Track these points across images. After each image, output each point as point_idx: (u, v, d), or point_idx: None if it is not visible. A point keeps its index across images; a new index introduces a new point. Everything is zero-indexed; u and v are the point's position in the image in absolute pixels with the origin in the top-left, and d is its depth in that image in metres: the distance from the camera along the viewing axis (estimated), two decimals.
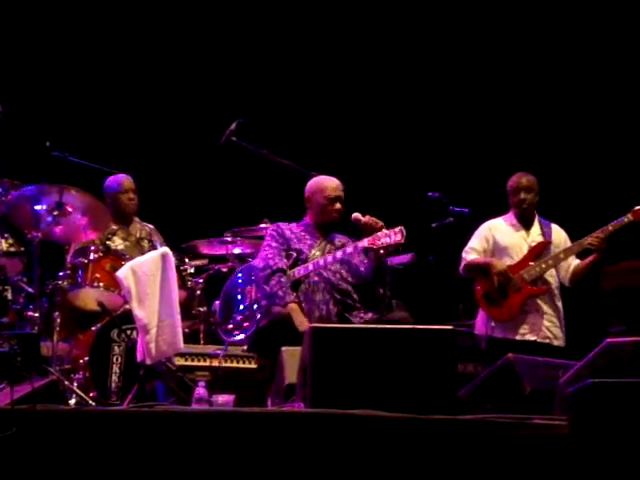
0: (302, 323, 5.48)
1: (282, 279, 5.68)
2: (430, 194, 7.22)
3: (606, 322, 7.09)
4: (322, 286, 5.76)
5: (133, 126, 8.62)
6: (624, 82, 8.73)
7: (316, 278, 5.77)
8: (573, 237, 6.77)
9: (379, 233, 5.62)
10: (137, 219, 6.90)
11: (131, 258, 5.82)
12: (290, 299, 5.61)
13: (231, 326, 5.91)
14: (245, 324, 5.82)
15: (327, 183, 5.96)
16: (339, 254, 5.74)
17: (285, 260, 5.80)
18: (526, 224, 6.83)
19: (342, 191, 5.94)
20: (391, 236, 5.58)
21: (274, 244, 5.86)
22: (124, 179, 6.81)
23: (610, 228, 6.52)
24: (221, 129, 6.58)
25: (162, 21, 8.80)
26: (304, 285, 5.76)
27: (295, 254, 5.83)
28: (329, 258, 5.74)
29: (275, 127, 8.15)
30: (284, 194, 6.82)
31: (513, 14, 8.99)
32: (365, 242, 5.67)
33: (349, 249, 5.74)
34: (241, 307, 5.95)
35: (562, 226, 6.90)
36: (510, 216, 6.88)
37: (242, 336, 5.90)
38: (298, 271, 5.76)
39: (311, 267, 5.75)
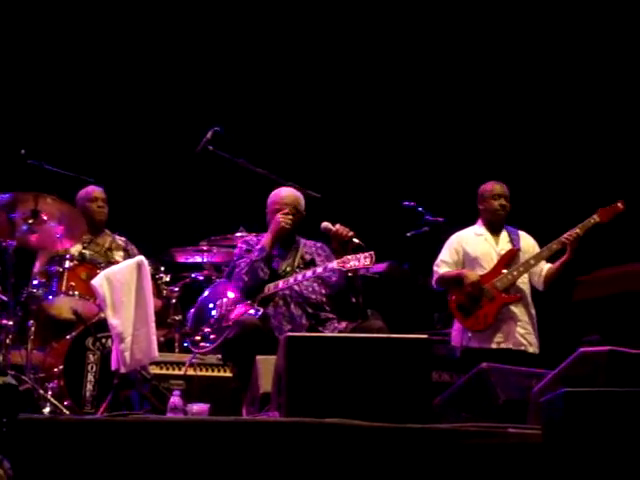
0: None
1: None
2: (405, 203, 7.25)
3: (581, 331, 7.12)
4: (294, 300, 5.75)
5: (109, 134, 8.60)
6: (586, 91, 8.80)
7: (287, 291, 5.76)
8: (541, 243, 6.80)
9: (349, 256, 5.61)
10: (107, 230, 6.89)
11: (105, 267, 5.81)
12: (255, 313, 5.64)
13: (198, 337, 5.91)
14: (212, 336, 5.80)
15: (277, 195, 6.03)
16: (309, 273, 5.73)
17: None
18: (495, 232, 6.86)
19: (291, 199, 5.99)
20: (360, 260, 5.57)
21: (245, 259, 5.85)
22: (93, 188, 6.84)
23: (578, 230, 6.56)
24: (197, 138, 6.57)
25: (138, 29, 8.78)
26: (275, 300, 5.75)
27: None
28: (299, 277, 5.73)
29: (251, 136, 8.15)
30: (260, 203, 6.81)
31: (488, 31, 9.05)
32: (334, 264, 5.66)
33: (319, 270, 5.73)
34: (211, 320, 5.94)
35: (529, 232, 6.94)
36: (478, 225, 6.91)
37: (207, 348, 5.87)
38: (268, 288, 5.74)
39: (281, 285, 5.74)
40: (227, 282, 6.00)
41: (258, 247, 5.86)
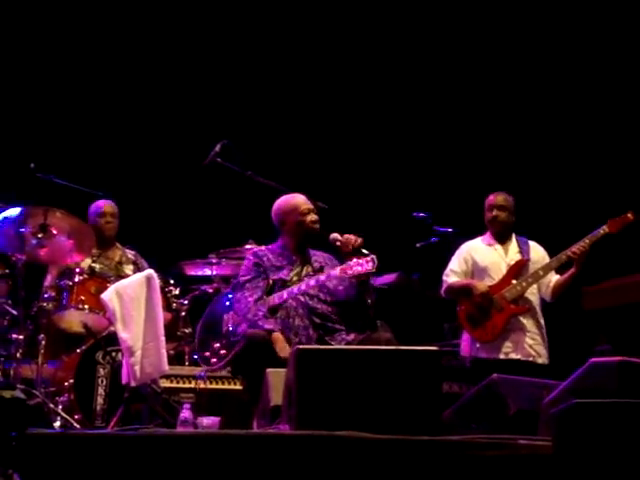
0: (282, 349, 5.44)
1: (261, 308, 5.65)
2: (415, 214, 7.25)
3: (592, 341, 7.11)
4: (300, 312, 5.70)
5: (118, 148, 8.62)
6: (596, 102, 8.80)
7: (294, 303, 5.70)
8: (551, 253, 6.80)
9: (351, 262, 5.60)
10: (118, 244, 6.89)
11: (115, 281, 5.82)
12: (271, 327, 5.58)
13: (208, 353, 5.89)
14: (222, 352, 5.79)
15: (295, 200, 5.94)
16: (312, 282, 5.71)
17: (262, 285, 5.77)
18: (502, 242, 6.86)
19: (309, 203, 5.96)
20: (363, 265, 5.56)
21: (253, 273, 5.82)
22: (103, 203, 6.84)
23: (587, 241, 6.55)
24: (206, 151, 6.58)
25: (145, 42, 8.81)
26: (282, 311, 5.69)
27: (271, 282, 5.80)
28: (302, 286, 5.71)
29: (259, 148, 8.16)
30: (269, 215, 6.82)
31: (500, 43, 9.06)
32: (337, 270, 5.65)
33: (322, 277, 5.71)
34: (219, 334, 5.93)
35: (540, 243, 6.93)
36: (487, 236, 6.92)
37: (218, 363, 5.87)
38: (273, 299, 5.72)
39: (285, 295, 5.70)
40: (230, 294, 6.00)
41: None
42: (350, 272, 5.58)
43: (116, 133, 8.66)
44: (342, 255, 5.78)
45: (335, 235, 5.80)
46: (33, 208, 5.94)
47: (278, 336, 5.49)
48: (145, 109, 8.76)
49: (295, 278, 5.81)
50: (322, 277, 5.69)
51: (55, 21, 8.62)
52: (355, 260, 5.58)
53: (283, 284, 5.77)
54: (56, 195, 6.42)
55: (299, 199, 5.95)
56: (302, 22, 9.06)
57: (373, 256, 5.54)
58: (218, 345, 5.79)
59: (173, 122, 8.76)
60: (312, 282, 5.69)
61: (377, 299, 6.06)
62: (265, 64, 9.01)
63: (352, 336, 5.66)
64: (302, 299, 5.73)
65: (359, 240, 5.69)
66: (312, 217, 5.87)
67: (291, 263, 5.86)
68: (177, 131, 8.71)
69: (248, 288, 5.72)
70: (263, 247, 6.00)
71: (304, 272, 5.86)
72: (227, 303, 6.20)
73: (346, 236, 5.74)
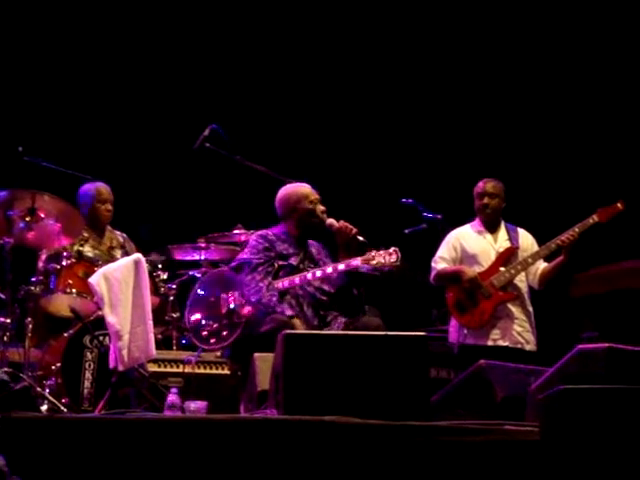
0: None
1: (274, 293, 5.65)
2: (404, 200, 7.25)
3: (578, 328, 7.13)
4: (307, 301, 5.76)
5: (106, 131, 8.59)
6: (586, 91, 8.81)
7: (301, 292, 5.75)
8: (540, 241, 6.80)
9: (373, 253, 5.60)
10: (109, 227, 6.86)
11: (103, 265, 5.80)
12: (291, 312, 5.60)
13: (206, 333, 5.87)
14: (224, 333, 5.77)
15: (305, 189, 5.96)
16: (329, 269, 5.71)
17: (271, 271, 5.78)
18: (492, 230, 6.87)
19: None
20: (386, 258, 5.57)
21: (263, 257, 5.81)
22: (103, 188, 6.72)
23: (577, 229, 6.55)
24: (194, 135, 6.56)
25: (135, 26, 8.77)
26: (290, 299, 5.74)
27: (277, 265, 5.80)
28: (318, 272, 5.71)
29: (248, 133, 8.14)
30: (258, 200, 6.81)
31: (487, 28, 9.05)
32: (359, 261, 5.64)
33: (341, 266, 5.71)
34: (217, 314, 5.89)
35: (529, 230, 6.94)
36: (476, 223, 6.92)
37: (220, 344, 5.83)
38: (283, 282, 5.73)
39: (297, 281, 5.72)
40: (231, 275, 5.95)
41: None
42: (374, 263, 5.58)
43: (105, 117, 8.63)
44: (337, 242, 5.78)
45: (331, 221, 5.82)
46: (20, 191, 5.91)
47: (297, 321, 5.56)
48: (134, 93, 8.73)
49: (301, 266, 5.83)
50: (340, 266, 5.68)
51: (44, 5, 8.58)
52: (377, 252, 5.58)
53: (291, 270, 5.78)
54: (44, 178, 6.39)
55: (307, 188, 5.98)
56: (292, 5, 9.04)
57: (396, 248, 5.55)
58: (217, 325, 5.75)
59: (162, 106, 8.73)
60: (329, 270, 5.69)
61: (366, 285, 6.07)
62: (255, 49, 8.99)
63: (343, 320, 5.68)
64: (309, 289, 5.77)
65: (354, 230, 5.71)
66: (321, 207, 5.91)
67: (296, 250, 5.88)
68: (166, 115, 8.68)
69: (260, 272, 5.73)
70: (269, 231, 5.97)
71: (306, 261, 5.87)
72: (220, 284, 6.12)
73: (342, 223, 5.75)
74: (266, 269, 5.75)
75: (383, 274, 5.76)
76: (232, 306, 5.74)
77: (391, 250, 5.57)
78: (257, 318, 5.59)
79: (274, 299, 5.61)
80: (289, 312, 5.57)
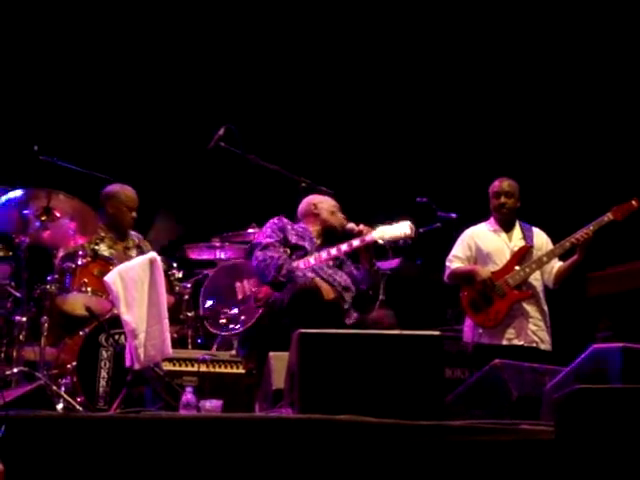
0: (328, 292, 5.50)
1: (289, 267, 5.71)
2: (418, 199, 7.24)
3: (594, 327, 7.11)
4: (322, 278, 5.79)
5: (122, 130, 8.61)
6: (601, 88, 8.78)
7: (312, 274, 5.77)
8: (554, 240, 6.79)
9: (383, 227, 5.60)
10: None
11: (118, 264, 5.82)
12: (312, 275, 5.62)
13: (224, 320, 5.88)
14: (242, 317, 5.78)
15: (329, 199, 6.12)
16: (345, 247, 5.71)
17: (282, 251, 5.82)
18: (507, 229, 6.86)
19: None
20: (399, 230, 5.57)
21: (275, 236, 5.87)
22: (133, 195, 6.74)
23: (592, 227, 6.54)
24: (209, 134, 6.57)
25: (150, 26, 8.79)
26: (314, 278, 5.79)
27: (289, 250, 5.83)
28: (333, 251, 5.72)
29: (263, 133, 8.15)
30: (272, 199, 6.82)
31: (500, 31, 9.04)
32: (372, 235, 5.65)
33: (356, 242, 5.71)
34: (234, 301, 5.90)
35: (543, 229, 6.93)
36: (491, 221, 6.91)
37: (239, 328, 5.84)
38: (297, 263, 5.74)
39: (313, 261, 5.74)
40: (244, 264, 5.97)
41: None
42: (388, 237, 5.58)
43: (120, 116, 8.64)
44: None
45: (352, 225, 5.85)
46: (36, 190, 5.93)
47: (320, 281, 5.60)
48: (150, 92, 8.74)
49: (315, 254, 5.85)
50: (356, 242, 5.72)
51: (63, 7, 8.60)
52: (389, 225, 5.58)
53: (305, 253, 5.80)
54: (59, 177, 6.41)
55: (331, 199, 6.15)
56: (305, 8, 9.04)
57: (409, 221, 5.54)
58: (235, 311, 5.76)
59: (178, 105, 8.74)
60: (344, 247, 5.71)
61: (383, 284, 6.09)
62: (269, 49, 8.99)
63: (355, 315, 5.70)
64: (322, 274, 5.78)
65: None
66: (342, 214, 6.05)
67: (311, 243, 5.91)
68: (181, 114, 8.70)
69: (271, 250, 5.79)
70: (286, 219, 6.04)
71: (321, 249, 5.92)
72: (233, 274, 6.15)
73: (362, 227, 5.77)
74: (278, 248, 5.78)
75: (398, 248, 5.76)
76: (248, 292, 5.75)
77: (405, 223, 5.56)
78: (279, 299, 5.61)
79: (289, 266, 5.66)
80: (310, 274, 5.59)
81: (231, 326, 5.82)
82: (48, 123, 8.16)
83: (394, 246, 5.72)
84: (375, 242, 5.71)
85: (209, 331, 6.17)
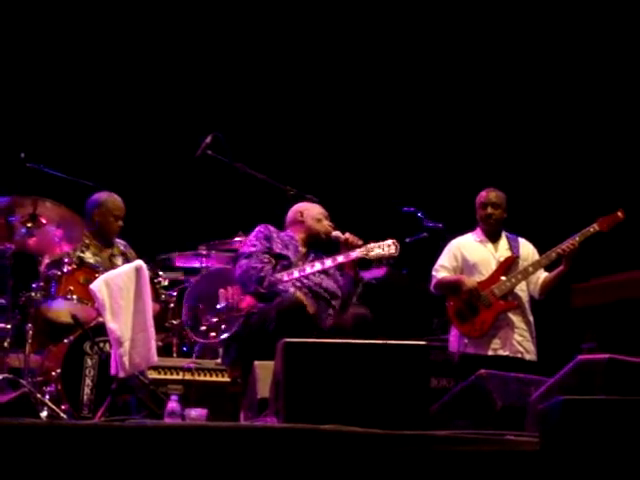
0: (310, 305, 5.51)
1: (272, 278, 5.70)
2: (405, 209, 7.25)
3: (579, 338, 7.12)
4: (305, 292, 5.78)
5: (109, 138, 8.60)
6: (587, 100, 8.82)
7: (298, 284, 5.77)
8: (540, 250, 6.81)
9: (371, 244, 5.62)
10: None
11: (104, 271, 5.81)
12: (294, 290, 5.62)
13: (204, 327, 5.87)
14: (223, 326, 5.77)
15: (317, 206, 6.11)
16: (329, 262, 5.72)
17: (266, 261, 5.81)
18: (493, 239, 6.88)
19: None
20: (384, 248, 5.59)
21: (259, 245, 5.86)
22: (120, 204, 6.72)
23: (577, 238, 6.56)
24: (196, 142, 6.57)
25: (137, 34, 8.78)
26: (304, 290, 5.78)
27: (274, 261, 5.82)
28: (317, 265, 5.72)
29: (251, 141, 8.15)
30: (259, 208, 6.81)
31: (489, 37, 9.07)
32: (357, 252, 5.66)
33: (340, 258, 5.72)
34: (216, 309, 5.90)
35: (529, 240, 6.94)
36: (477, 232, 6.93)
37: (222, 336, 5.83)
38: (282, 275, 5.74)
39: (296, 274, 5.74)
40: (229, 272, 5.97)
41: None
42: (372, 254, 5.59)
43: (107, 123, 8.63)
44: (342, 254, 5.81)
45: (337, 233, 5.86)
46: (22, 197, 5.92)
47: (302, 295, 5.61)
48: (136, 99, 8.74)
49: (300, 263, 5.84)
50: (340, 258, 5.70)
51: (47, 9, 8.59)
52: (374, 243, 5.60)
53: (289, 263, 5.80)
54: (46, 185, 6.40)
55: (320, 207, 6.13)
56: (294, 14, 9.05)
57: (394, 240, 5.56)
58: (216, 320, 5.76)
59: (164, 113, 8.74)
60: (328, 262, 5.70)
61: (365, 294, 6.08)
62: (257, 57, 9.00)
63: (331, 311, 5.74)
64: (308, 283, 5.78)
65: (360, 241, 5.73)
66: (329, 221, 6.04)
67: (297, 251, 5.91)
68: (169, 122, 8.69)
69: (254, 259, 5.77)
70: (273, 228, 6.04)
71: (305, 260, 5.91)
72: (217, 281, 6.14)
73: (347, 235, 5.77)
74: (262, 257, 5.77)
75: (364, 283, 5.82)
76: (230, 301, 5.75)
77: (389, 242, 5.58)
78: (263, 312, 5.60)
79: (272, 278, 5.65)
80: (292, 289, 5.60)
81: (211, 334, 5.82)
82: (35, 130, 8.14)
83: (376, 263, 5.76)
84: (357, 259, 5.73)
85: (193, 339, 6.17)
